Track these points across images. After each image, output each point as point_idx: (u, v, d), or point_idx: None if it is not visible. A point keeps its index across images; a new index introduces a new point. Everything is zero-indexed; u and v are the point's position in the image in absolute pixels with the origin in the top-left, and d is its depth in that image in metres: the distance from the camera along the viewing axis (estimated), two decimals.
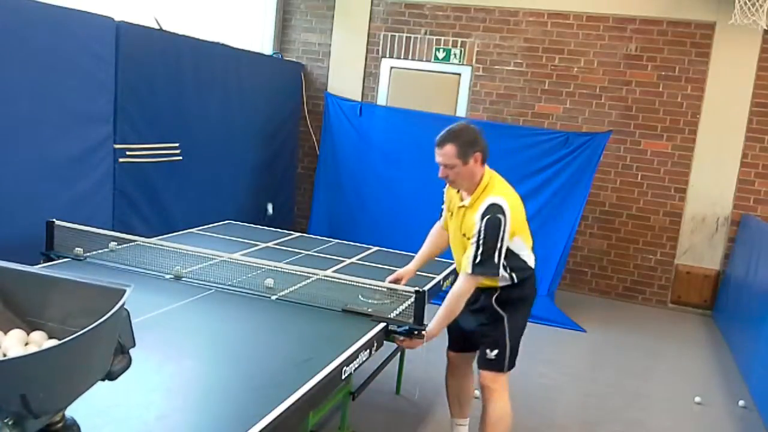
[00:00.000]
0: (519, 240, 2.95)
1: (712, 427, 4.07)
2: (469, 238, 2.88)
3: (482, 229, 2.80)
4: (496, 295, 3.01)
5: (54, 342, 1.57)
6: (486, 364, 3.07)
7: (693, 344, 5.64)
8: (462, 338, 3.24)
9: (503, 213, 2.81)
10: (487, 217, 2.81)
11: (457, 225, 3.02)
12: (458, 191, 3.02)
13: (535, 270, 3.09)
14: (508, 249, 2.87)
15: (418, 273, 3.74)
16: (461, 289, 2.88)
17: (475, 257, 2.81)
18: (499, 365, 3.05)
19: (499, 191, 2.91)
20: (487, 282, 2.96)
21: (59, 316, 1.63)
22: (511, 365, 3.09)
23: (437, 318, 2.87)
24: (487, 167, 2.97)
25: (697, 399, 4.46)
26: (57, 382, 1.40)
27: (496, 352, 3.03)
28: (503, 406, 3.08)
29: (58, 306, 1.65)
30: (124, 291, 1.58)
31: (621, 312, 6.41)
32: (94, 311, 1.53)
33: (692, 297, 6.54)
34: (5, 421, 1.33)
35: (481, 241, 2.80)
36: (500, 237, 2.80)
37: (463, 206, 2.97)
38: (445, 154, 2.87)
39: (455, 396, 3.41)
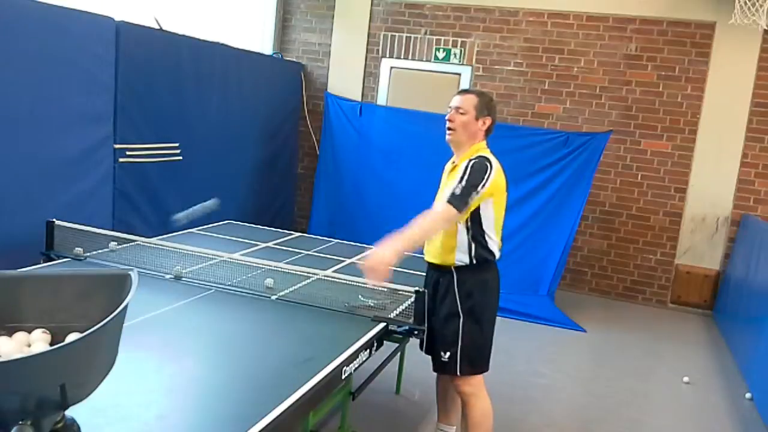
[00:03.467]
0: (491, 210, 2.89)
1: (712, 427, 4.07)
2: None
3: (468, 168, 2.82)
4: (457, 280, 2.92)
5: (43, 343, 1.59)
6: (439, 367, 3.00)
7: (693, 344, 5.64)
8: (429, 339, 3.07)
9: (490, 164, 2.85)
10: (474, 160, 2.86)
11: (443, 185, 3.02)
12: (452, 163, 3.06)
13: (496, 263, 2.99)
14: (477, 215, 2.86)
15: (417, 273, 3.76)
16: (433, 215, 2.80)
17: (455, 189, 2.78)
18: (451, 368, 2.94)
19: (489, 154, 2.96)
20: (443, 255, 2.92)
21: (37, 315, 1.65)
22: (473, 368, 2.95)
23: (403, 236, 2.74)
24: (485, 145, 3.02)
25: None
26: (88, 370, 1.44)
27: (448, 354, 2.93)
28: (482, 406, 3.00)
29: (36, 305, 1.67)
30: (126, 275, 1.61)
31: (621, 312, 6.41)
32: (89, 300, 1.56)
33: (692, 297, 6.54)
34: (25, 422, 1.35)
35: (465, 177, 2.79)
36: (483, 180, 2.80)
37: (454, 165, 3.00)
38: (465, 99, 2.96)
39: (441, 399, 3.33)
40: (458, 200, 2.76)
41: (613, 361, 5.05)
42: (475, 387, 2.99)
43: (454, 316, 2.92)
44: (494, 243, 2.94)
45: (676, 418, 4.14)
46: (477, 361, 2.97)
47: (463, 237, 2.89)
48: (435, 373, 3.24)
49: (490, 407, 3.02)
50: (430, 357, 3.16)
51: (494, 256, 2.95)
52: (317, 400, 2.25)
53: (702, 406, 4.37)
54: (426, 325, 2.88)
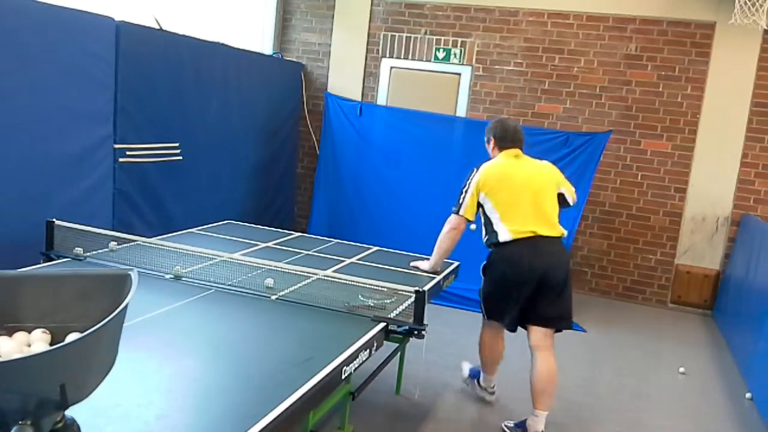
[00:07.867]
0: (488, 202, 3.54)
1: (712, 427, 4.07)
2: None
3: None
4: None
5: (43, 343, 1.59)
6: None
7: (693, 344, 5.64)
8: None
9: (477, 169, 3.63)
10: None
11: None
12: None
13: (511, 248, 3.49)
14: (483, 209, 3.57)
15: (418, 273, 3.78)
16: (444, 227, 3.73)
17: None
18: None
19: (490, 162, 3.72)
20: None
21: (37, 315, 1.65)
22: (489, 315, 3.74)
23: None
24: (507, 152, 3.70)
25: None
26: (88, 370, 1.44)
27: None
28: (481, 337, 3.89)
29: (36, 304, 1.67)
30: (126, 276, 1.61)
31: (621, 312, 6.41)
32: (89, 300, 1.56)
33: (692, 297, 6.54)
34: (25, 422, 1.35)
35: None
36: (467, 184, 3.61)
37: None
38: None
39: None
40: (453, 206, 3.69)
41: (613, 361, 5.05)
42: (482, 327, 3.87)
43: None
44: (502, 231, 3.51)
45: (676, 418, 4.14)
46: (489, 312, 3.73)
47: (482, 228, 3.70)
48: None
49: (484, 339, 3.88)
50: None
51: (502, 237, 3.51)
52: (317, 400, 2.25)
53: (702, 406, 4.37)
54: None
